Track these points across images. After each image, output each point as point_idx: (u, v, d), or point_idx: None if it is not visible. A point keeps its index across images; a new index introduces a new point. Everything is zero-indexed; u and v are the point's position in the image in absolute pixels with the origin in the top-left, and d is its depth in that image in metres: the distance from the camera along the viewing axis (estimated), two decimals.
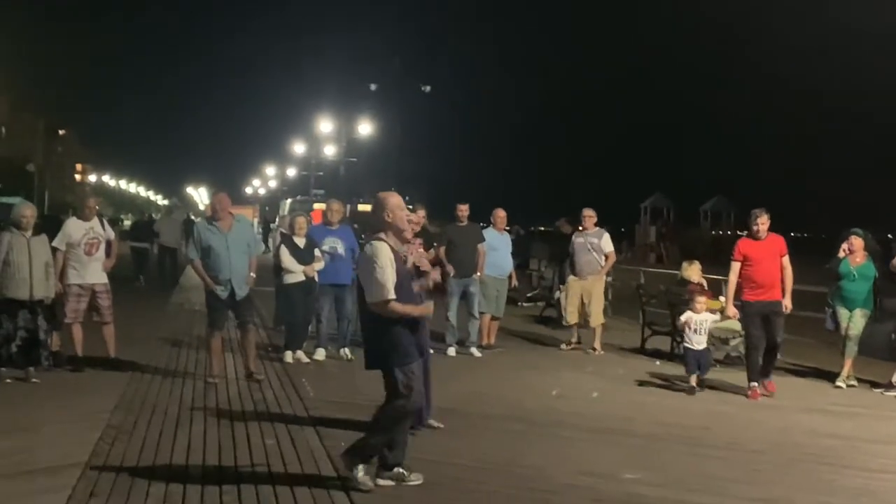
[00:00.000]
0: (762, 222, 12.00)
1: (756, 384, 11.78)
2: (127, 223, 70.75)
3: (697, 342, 12.14)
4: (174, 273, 27.54)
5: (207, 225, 11.84)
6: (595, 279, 15.38)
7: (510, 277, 15.66)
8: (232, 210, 12.06)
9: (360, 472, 7.25)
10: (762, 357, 11.93)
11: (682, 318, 12.40)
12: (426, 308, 7.29)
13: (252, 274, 11.85)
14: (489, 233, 15.36)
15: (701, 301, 12.42)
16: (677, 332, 14.75)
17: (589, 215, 15.50)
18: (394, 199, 7.35)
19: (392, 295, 7.11)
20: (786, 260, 12.01)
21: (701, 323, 12.19)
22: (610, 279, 17.85)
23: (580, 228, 15.70)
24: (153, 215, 38.73)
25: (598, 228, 15.56)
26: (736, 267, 12.10)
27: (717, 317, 12.64)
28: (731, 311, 12.35)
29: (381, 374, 7.54)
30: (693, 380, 11.96)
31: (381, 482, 7.32)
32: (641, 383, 12.63)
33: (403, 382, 7.24)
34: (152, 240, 27.51)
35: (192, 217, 40.68)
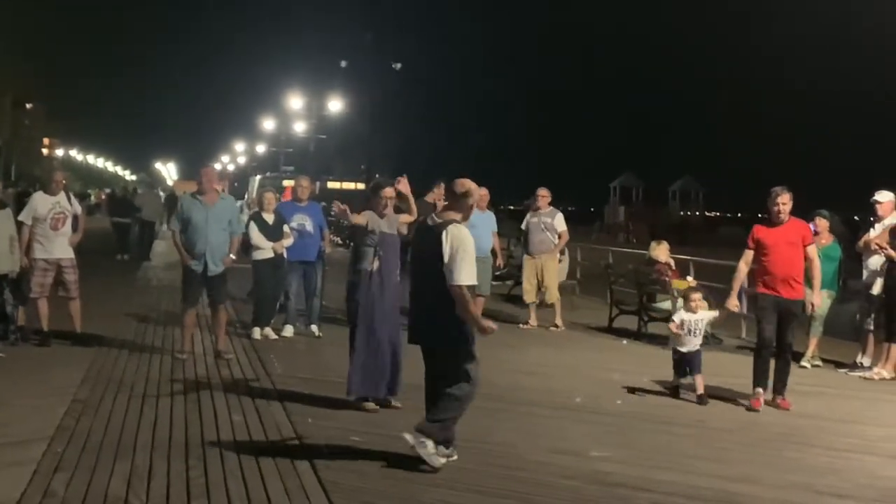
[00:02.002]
0: (783, 202, 10.22)
1: (761, 390, 10.13)
2: (93, 199, 70.33)
3: (690, 344, 10.47)
4: (151, 247, 28.09)
5: (192, 198, 11.79)
6: (548, 257, 15.58)
7: (494, 256, 15.67)
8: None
9: (430, 447, 7.29)
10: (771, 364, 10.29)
11: (676, 318, 10.73)
12: (485, 327, 7.45)
13: (232, 255, 11.78)
14: None
15: (696, 298, 10.70)
16: (644, 312, 14.85)
17: (543, 195, 15.66)
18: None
19: (475, 281, 7.45)
20: (812, 250, 10.39)
21: (697, 323, 10.53)
22: (564, 256, 17.81)
23: (535, 208, 15.76)
24: (131, 190, 39.18)
25: (551, 208, 15.76)
26: (748, 255, 10.45)
27: (716, 314, 11.03)
28: (733, 303, 10.53)
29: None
30: (676, 381, 10.52)
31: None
32: (609, 362, 12.68)
33: (473, 367, 7.46)
34: (132, 214, 27.87)
35: (177, 193, 41.07)
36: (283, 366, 11.18)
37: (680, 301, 13.91)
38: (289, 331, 13.49)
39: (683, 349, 10.45)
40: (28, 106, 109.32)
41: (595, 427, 8.94)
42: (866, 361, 12.52)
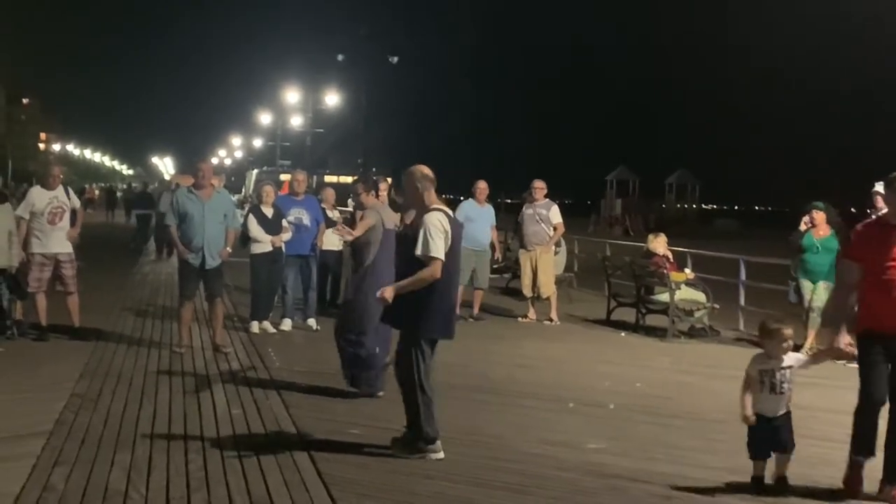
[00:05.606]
0: None
1: (862, 460, 6.89)
2: (96, 193, 70.82)
3: (773, 406, 6.89)
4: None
5: (187, 193, 11.83)
6: (543, 250, 15.51)
7: (493, 249, 15.73)
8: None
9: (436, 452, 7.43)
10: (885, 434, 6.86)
11: (755, 366, 6.98)
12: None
13: (228, 248, 11.81)
14: (468, 204, 15.44)
15: (787, 336, 6.89)
16: (642, 304, 14.88)
17: (539, 187, 15.63)
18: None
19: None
20: None
21: (784, 374, 6.87)
22: (561, 248, 17.83)
23: (531, 200, 15.76)
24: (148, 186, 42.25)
25: (547, 200, 15.71)
26: (853, 271, 6.98)
27: (803, 357, 7.26)
28: (845, 341, 6.92)
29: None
30: (760, 469, 6.99)
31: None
32: (606, 354, 12.71)
33: None
34: (152, 208, 30.35)
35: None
36: (282, 359, 11.21)
37: (678, 293, 14.00)
38: (286, 324, 13.52)
39: (767, 414, 6.89)
40: (24, 101, 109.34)
41: (588, 419, 8.99)
42: None
